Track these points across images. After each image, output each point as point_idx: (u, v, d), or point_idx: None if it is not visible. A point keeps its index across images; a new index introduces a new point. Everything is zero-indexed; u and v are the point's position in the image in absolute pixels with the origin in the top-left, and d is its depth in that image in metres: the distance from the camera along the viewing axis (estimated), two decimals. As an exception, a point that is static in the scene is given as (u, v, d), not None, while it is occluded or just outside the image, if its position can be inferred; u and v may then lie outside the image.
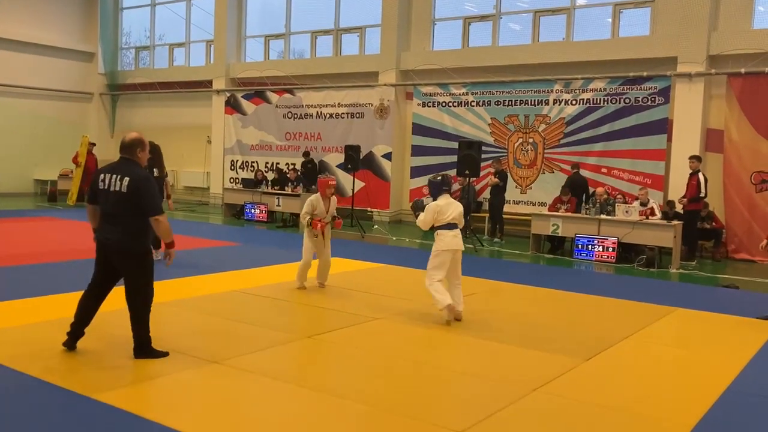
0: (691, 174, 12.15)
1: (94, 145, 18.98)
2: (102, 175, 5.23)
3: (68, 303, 7.08)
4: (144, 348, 5.26)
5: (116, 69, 23.05)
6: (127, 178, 5.09)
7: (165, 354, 5.28)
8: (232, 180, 19.69)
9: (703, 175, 12.05)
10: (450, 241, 6.95)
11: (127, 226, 5.12)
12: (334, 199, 8.38)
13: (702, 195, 12.00)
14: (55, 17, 21.87)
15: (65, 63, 22.15)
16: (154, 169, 10.50)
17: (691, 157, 12.23)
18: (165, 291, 7.92)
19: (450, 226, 7.00)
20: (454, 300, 6.87)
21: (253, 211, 16.60)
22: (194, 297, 7.59)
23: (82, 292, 5.48)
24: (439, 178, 7.34)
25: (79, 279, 8.36)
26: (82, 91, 22.69)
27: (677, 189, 12.69)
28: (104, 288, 5.42)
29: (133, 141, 5.28)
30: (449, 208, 7.03)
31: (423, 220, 7.12)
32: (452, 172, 14.99)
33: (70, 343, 5.40)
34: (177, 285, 8.31)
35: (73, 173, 19.56)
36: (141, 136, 5.37)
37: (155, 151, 11.28)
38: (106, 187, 5.17)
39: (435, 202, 7.15)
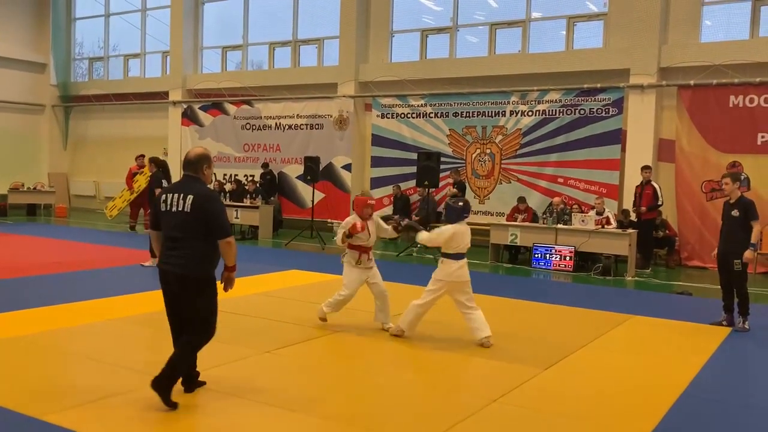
0: (644, 184, 12.43)
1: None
2: (164, 196, 4.72)
3: (16, 321, 6.90)
4: (169, 382, 4.54)
5: (69, 80, 22.53)
6: (191, 196, 4.57)
7: (175, 406, 4.54)
8: (189, 192, 19.37)
9: (657, 184, 12.36)
10: (454, 272, 6.51)
11: (192, 249, 4.57)
12: (375, 218, 7.22)
13: (660, 203, 12.32)
14: (5, 26, 21.26)
15: (15, 74, 21.51)
16: (163, 181, 10.44)
17: (644, 168, 12.53)
18: (118, 306, 7.76)
19: (459, 255, 6.56)
20: (473, 327, 6.54)
21: (211, 223, 16.32)
22: (147, 312, 7.38)
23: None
24: (461, 203, 6.98)
25: (29, 296, 8.16)
26: (33, 103, 22.10)
27: (631, 198, 12.94)
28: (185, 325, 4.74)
29: (199, 157, 4.77)
30: (464, 236, 6.57)
31: (431, 238, 6.64)
32: (411, 183, 15.10)
33: (188, 388, 4.87)
34: (130, 299, 8.13)
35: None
36: (207, 151, 4.88)
37: (164, 165, 11.25)
38: (168, 208, 4.64)
39: (453, 225, 6.60)
